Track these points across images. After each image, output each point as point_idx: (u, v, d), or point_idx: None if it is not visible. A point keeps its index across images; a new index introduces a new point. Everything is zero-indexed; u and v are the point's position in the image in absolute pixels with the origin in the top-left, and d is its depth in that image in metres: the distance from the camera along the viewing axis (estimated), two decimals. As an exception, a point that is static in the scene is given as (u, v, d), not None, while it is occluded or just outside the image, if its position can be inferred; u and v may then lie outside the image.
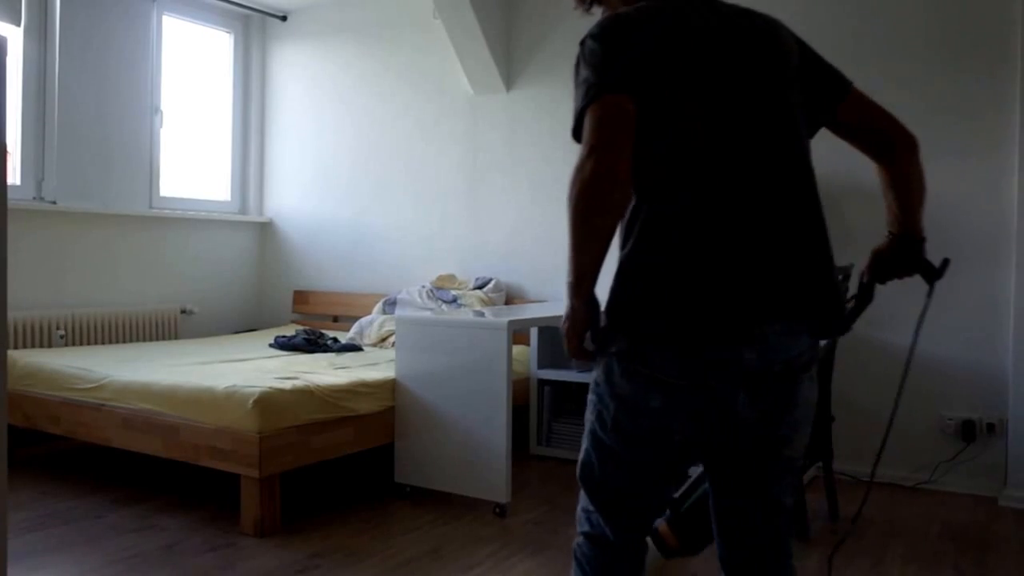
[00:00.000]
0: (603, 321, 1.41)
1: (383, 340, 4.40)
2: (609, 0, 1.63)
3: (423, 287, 4.63)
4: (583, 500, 1.54)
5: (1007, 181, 3.50)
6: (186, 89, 5.08)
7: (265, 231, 5.50)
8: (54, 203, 4.29)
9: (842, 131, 1.56)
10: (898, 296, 3.72)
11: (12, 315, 3.90)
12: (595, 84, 1.36)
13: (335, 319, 5.15)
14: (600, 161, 1.31)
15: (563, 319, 1.42)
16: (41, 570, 2.56)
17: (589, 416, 1.48)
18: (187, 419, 3.02)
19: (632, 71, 1.36)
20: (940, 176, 3.64)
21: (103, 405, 3.27)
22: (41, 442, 3.89)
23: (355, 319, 4.75)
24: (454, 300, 4.45)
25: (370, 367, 3.61)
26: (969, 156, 3.59)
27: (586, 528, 1.53)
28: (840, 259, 3.84)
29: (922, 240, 1.55)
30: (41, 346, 4.08)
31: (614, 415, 1.42)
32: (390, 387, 3.37)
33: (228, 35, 5.35)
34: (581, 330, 1.40)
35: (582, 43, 1.45)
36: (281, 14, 5.35)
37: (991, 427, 3.53)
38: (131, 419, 3.17)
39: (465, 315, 3.50)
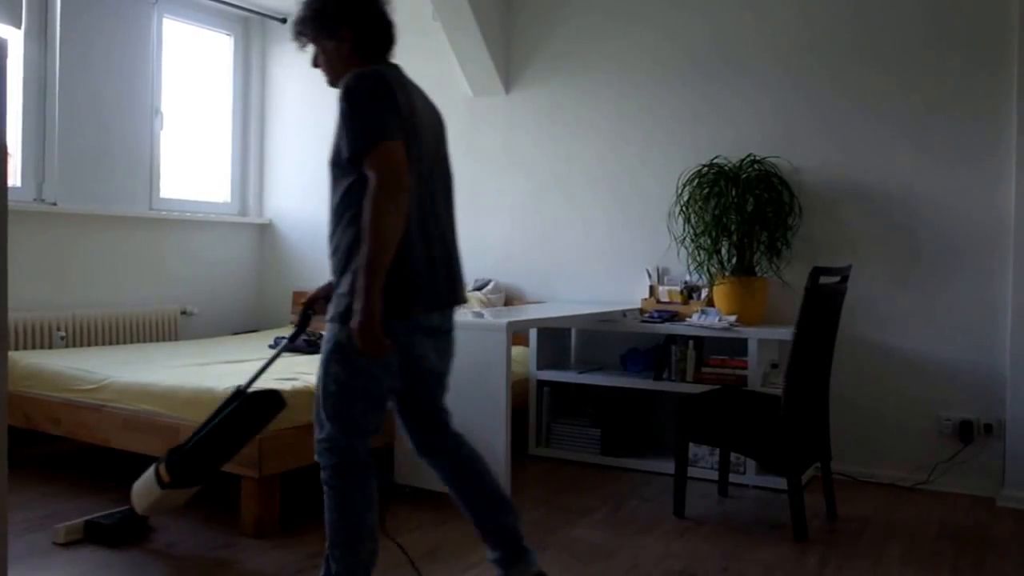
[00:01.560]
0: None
1: (383, 341, 4.41)
2: (338, 49, 2.19)
3: (422, 288, 4.64)
4: (331, 438, 2.09)
5: (1004, 183, 3.51)
6: (186, 91, 5.09)
7: (265, 232, 5.51)
8: (55, 204, 4.30)
9: None
10: (895, 297, 3.74)
11: (13, 316, 3.91)
12: (383, 128, 1.97)
13: (335, 320, 5.15)
14: (405, 188, 1.97)
15: (359, 316, 1.94)
16: (42, 570, 2.57)
17: (335, 371, 2.06)
18: (187, 420, 3.02)
19: (401, 125, 2.01)
20: (937, 178, 3.66)
21: (103, 406, 3.28)
22: (42, 443, 3.89)
23: (355, 320, 4.75)
24: (453, 301, 4.46)
25: (370, 368, 3.61)
26: (966, 158, 3.60)
27: (334, 460, 2.09)
28: (839, 260, 3.87)
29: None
30: (42, 347, 4.09)
31: (360, 366, 2.04)
32: (389, 388, 3.37)
33: (228, 37, 5.36)
34: (380, 319, 1.96)
35: (354, 89, 2.01)
36: (281, 16, 5.36)
37: (989, 428, 3.54)
38: (131, 420, 3.18)
39: (464, 316, 3.51)
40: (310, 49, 2.23)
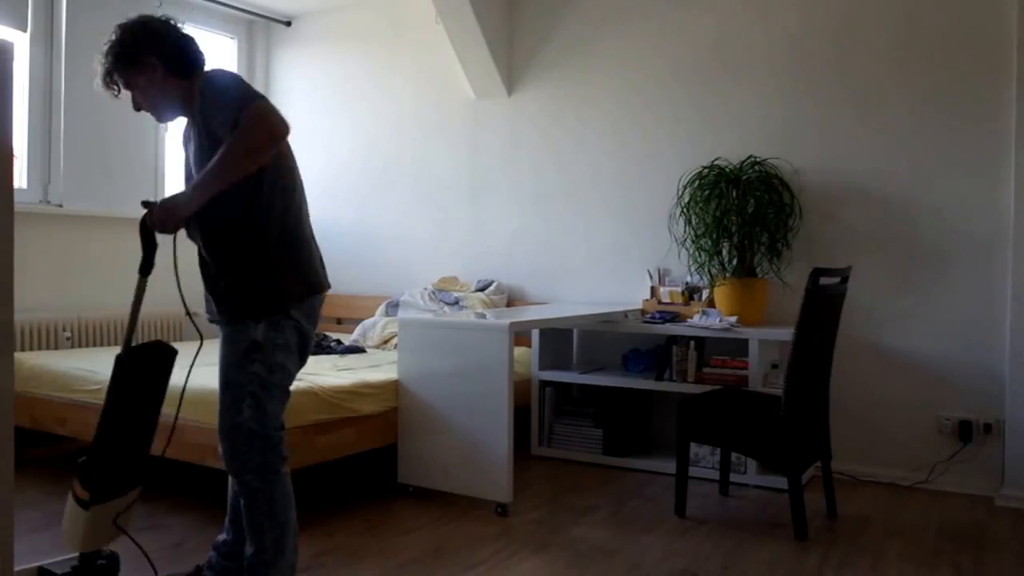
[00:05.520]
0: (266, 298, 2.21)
1: (386, 342, 4.44)
2: (151, 79, 2.17)
3: (425, 289, 4.67)
4: (260, 459, 2.07)
5: (1003, 184, 3.53)
6: (190, 93, 5.11)
7: (268, 234, 5.53)
8: (60, 206, 4.33)
9: None
10: (895, 298, 3.76)
11: (19, 317, 3.94)
12: (256, 93, 1.95)
13: (339, 321, 5.18)
14: (283, 124, 1.91)
15: (178, 204, 2.23)
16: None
17: (256, 372, 2.09)
18: (192, 420, 3.05)
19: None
20: (937, 179, 3.68)
21: (109, 406, 3.30)
22: (48, 443, 3.92)
23: (358, 321, 4.79)
24: (456, 302, 4.48)
25: (373, 368, 3.64)
26: (966, 159, 3.62)
27: (274, 477, 2.09)
28: (839, 261, 3.89)
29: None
30: (48, 348, 4.12)
31: (277, 360, 2.12)
32: (393, 388, 3.40)
33: (232, 40, 5.39)
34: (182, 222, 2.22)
35: (215, 75, 2.10)
36: (285, 19, 5.39)
37: (988, 427, 3.55)
38: (137, 420, 3.20)
39: (467, 317, 3.54)
40: (127, 96, 2.18)
